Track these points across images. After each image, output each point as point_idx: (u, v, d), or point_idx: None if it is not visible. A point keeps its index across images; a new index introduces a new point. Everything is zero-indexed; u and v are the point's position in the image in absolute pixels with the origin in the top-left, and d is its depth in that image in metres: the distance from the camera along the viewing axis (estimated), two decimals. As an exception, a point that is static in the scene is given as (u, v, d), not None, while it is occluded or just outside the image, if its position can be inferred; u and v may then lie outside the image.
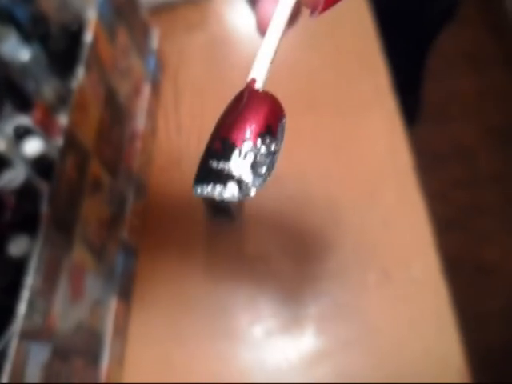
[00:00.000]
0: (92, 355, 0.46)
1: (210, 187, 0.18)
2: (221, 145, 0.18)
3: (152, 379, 0.53)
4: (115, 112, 0.54)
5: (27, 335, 0.35)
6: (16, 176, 0.55)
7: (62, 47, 0.62)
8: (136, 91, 0.62)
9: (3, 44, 0.60)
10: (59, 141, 0.59)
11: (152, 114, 0.67)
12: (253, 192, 0.18)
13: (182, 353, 0.54)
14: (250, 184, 0.18)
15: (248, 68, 0.75)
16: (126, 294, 0.55)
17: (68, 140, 0.42)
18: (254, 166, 0.18)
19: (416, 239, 0.56)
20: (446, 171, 1.37)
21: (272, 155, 0.18)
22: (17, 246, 0.51)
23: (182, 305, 0.57)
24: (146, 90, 0.65)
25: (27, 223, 0.53)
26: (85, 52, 0.47)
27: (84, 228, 0.45)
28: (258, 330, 0.54)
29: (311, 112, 0.66)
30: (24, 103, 0.60)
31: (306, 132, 0.65)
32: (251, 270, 0.57)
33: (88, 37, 0.48)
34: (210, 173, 0.18)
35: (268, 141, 0.18)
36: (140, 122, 0.62)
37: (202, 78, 0.73)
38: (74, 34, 0.61)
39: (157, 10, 0.77)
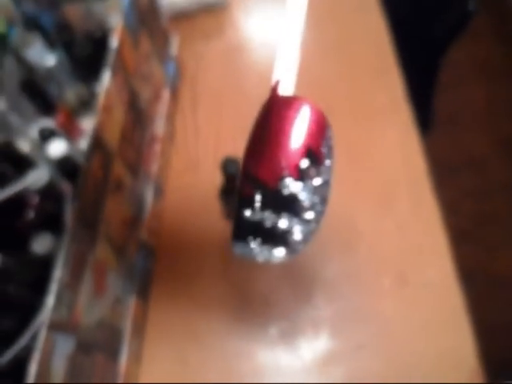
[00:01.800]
0: (112, 351, 0.48)
1: (247, 248, 0.12)
2: (251, 187, 0.12)
3: (168, 377, 0.54)
4: (137, 115, 0.56)
5: (55, 326, 0.36)
6: (40, 176, 0.56)
7: (85, 54, 0.65)
8: (156, 96, 0.64)
9: (29, 50, 0.62)
10: (81, 143, 0.61)
11: (170, 119, 0.69)
12: (302, 246, 0.12)
13: (198, 351, 0.55)
14: (297, 237, 0.12)
15: (264, 75, 0.76)
16: (144, 293, 0.56)
17: (95, 140, 0.43)
18: (299, 212, 0.12)
19: (430, 244, 0.57)
20: (458, 181, 1.37)
21: (320, 189, 0.12)
22: (40, 244, 0.52)
23: (199, 304, 0.57)
24: (166, 95, 0.67)
25: (50, 222, 0.55)
26: (111, 57, 0.49)
27: (107, 226, 0.46)
28: (273, 331, 0.55)
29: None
30: (48, 107, 0.62)
31: (320, 138, 0.66)
32: (267, 270, 0.58)
33: (114, 42, 0.50)
34: (246, 227, 0.12)
35: (312, 170, 0.12)
36: (159, 126, 0.64)
37: (218, 85, 0.75)
38: (97, 41, 0.63)
39: (176, 18, 0.79)
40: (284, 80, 0.15)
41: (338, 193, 0.61)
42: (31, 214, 0.55)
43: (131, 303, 0.52)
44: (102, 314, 0.45)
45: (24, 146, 0.58)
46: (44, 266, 0.50)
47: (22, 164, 0.57)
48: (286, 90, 0.14)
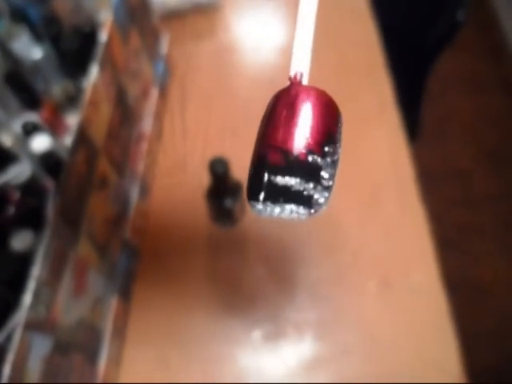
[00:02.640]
0: (91, 352, 0.46)
1: (277, 207, 0.16)
2: (282, 157, 0.16)
3: (149, 379, 0.52)
4: (124, 112, 0.55)
5: (31, 326, 0.35)
6: (22, 171, 0.55)
7: (73, 48, 0.63)
8: (144, 93, 0.63)
9: (15, 42, 0.61)
10: (66, 139, 0.59)
11: (158, 117, 0.68)
12: (324, 208, 0.16)
13: (180, 355, 0.54)
14: (320, 200, 0.16)
15: (254, 77, 0.76)
16: (126, 294, 0.55)
17: (79, 135, 0.42)
18: (322, 180, 0.16)
19: (416, 249, 0.57)
20: (443, 191, 1.38)
21: (335, 164, 0.16)
22: (20, 241, 0.51)
23: (181, 307, 0.56)
24: (154, 94, 0.66)
25: (31, 218, 0.53)
26: (99, 51, 0.48)
27: (90, 224, 0.45)
28: (256, 334, 0.54)
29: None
30: (33, 101, 0.61)
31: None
32: (251, 273, 0.57)
33: (103, 36, 0.49)
34: (273, 189, 0.16)
35: (331, 150, 0.16)
36: (147, 124, 0.63)
37: (208, 85, 0.74)
38: (85, 36, 0.62)
39: (167, 17, 0.78)
40: (304, 69, 0.17)
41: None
42: (11, 210, 0.54)
43: (112, 303, 0.51)
44: (82, 313, 0.44)
45: (6, 139, 0.56)
46: (23, 263, 0.48)
47: (4, 158, 0.55)
48: (306, 80, 0.17)
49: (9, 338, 0.38)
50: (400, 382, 0.49)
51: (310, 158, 0.16)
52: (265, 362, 0.52)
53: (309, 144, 0.16)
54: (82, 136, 0.43)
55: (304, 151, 0.16)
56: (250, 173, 0.16)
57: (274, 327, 0.54)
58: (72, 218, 0.42)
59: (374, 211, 0.60)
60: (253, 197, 0.16)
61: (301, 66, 0.17)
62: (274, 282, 0.57)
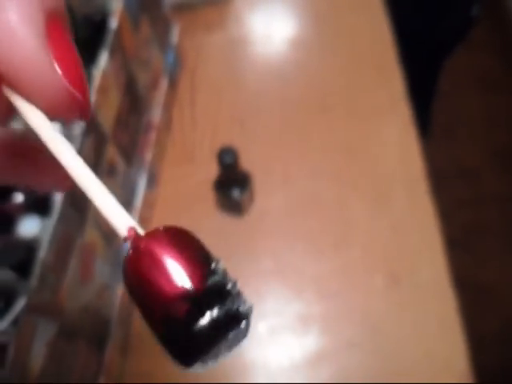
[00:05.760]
0: (96, 340, 0.46)
1: (222, 345, 0.14)
2: (185, 302, 0.14)
3: (153, 374, 0.52)
4: (133, 100, 0.55)
5: (36, 309, 0.35)
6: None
7: (83, 36, 0.63)
8: (154, 83, 0.63)
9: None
10: (74, 129, 0.59)
11: (168, 108, 0.67)
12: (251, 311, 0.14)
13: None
14: (247, 308, 0.15)
15: (264, 70, 0.75)
16: (131, 283, 0.55)
17: (89, 121, 0.42)
18: (232, 292, 0.15)
19: (425, 245, 0.56)
20: (450, 191, 1.37)
21: (226, 273, 0.15)
22: (27, 228, 0.51)
23: (187, 298, 0.56)
24: (164, 84, 0.66)
25: (38, 205, 0.53)
26: (110, 37, 0.47)
27: (97, 211, 0.45)
28: (262, 327, 0.53)
29: (325, 115, 0.67)
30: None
31: (319, 134, 0.65)
32: (258, 266, 0.57)
33: (113, 23, 0.49)
34: (206, 333, 0.14)
35: (215, 265, 0.15)
36: (156, 114, 0.63)
37: (218, 77, 0.74)
38: (96, 25, 0.62)
39: (178, 8, 0.78)
40: (131, 222, 0.15)
41: (333, 190, 0.61)
42: (19, 197, 0.54)
43: (118, 292, 0.51)
44: (88, 300, 0.44)
45: (15, 126, 0.56)
46: (30, 249, 0.48)
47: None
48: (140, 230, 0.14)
49: (14, 322, 0.38)
50: (405, 377, 0.48)
51: (209, 282, 0.14)
52: (270, 356, 0.52)
53: (197, 272, 0.14)
54: (91, 122, 0.43)
55: (201, 280, 0.14)
56: (166, 343, 0.14)
57: (279, 321, 0.54)
58: (79, 205, 0.42)
59: (384, 206, 0.59)
60: (190, 361, 0.14)
61: (125, 221, 0.14)
62: (280, 275, 0.56)
